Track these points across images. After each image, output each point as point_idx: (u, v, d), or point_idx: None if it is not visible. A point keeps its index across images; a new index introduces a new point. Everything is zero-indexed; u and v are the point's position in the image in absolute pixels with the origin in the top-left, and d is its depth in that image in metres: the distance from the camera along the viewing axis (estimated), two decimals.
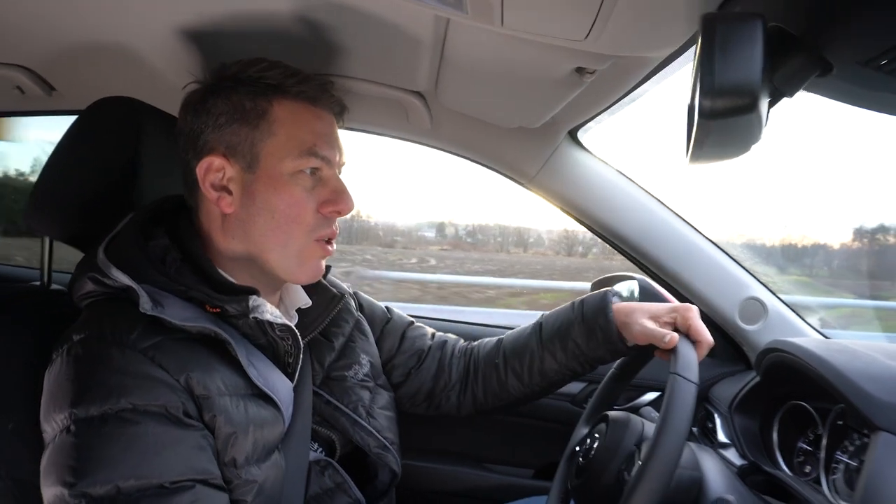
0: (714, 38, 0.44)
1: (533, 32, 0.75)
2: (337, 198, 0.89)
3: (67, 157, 0.98)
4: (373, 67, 1.14)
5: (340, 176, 0.93)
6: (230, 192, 0.86)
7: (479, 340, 1.23)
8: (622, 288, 1.58)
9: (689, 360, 0.88)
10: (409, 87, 1.21)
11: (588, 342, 1.06)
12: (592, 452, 0.99)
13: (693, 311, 0.97)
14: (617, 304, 1.06)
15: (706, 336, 0.94)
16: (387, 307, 1.23)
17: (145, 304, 0.77)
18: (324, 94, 0.90)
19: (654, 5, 0.67)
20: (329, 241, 0.91)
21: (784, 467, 1.09)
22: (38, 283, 1.04)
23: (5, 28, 1.07)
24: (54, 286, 1.03)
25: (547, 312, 1.17)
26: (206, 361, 0.79)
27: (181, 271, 0.84)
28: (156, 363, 0.75)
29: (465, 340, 1.25)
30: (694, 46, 0.65)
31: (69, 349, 0.76)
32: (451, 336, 1.26)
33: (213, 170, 0.86)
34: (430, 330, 1.25)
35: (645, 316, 1.00)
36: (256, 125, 0.85)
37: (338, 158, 0.91)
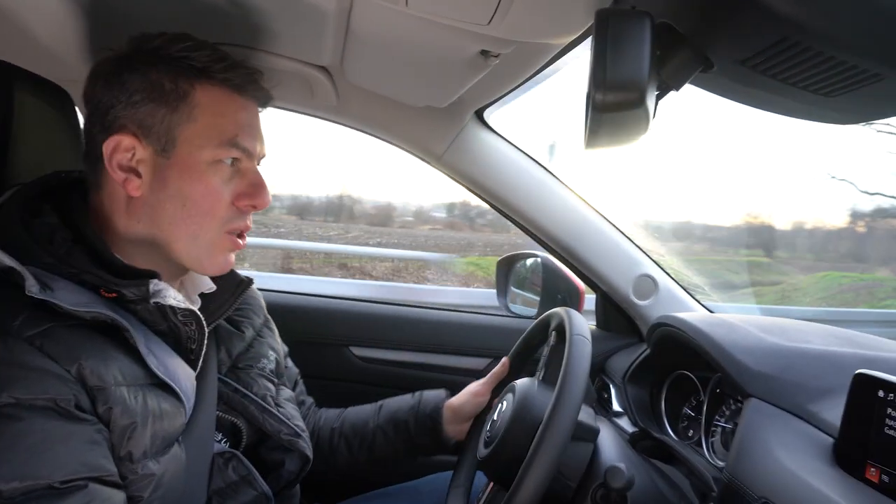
0: (606, 34, 0.46)
1: (437, 14, 0.75)
2: (254, 191, 0.86)
3: None
4: (275, 39, 1.09)
5: (259, 168, 0.89)
6: (139, 175, 0.80)
7: (323, 409, 1.28)
8: (526, 262, 1.64)
9: (580, 322, 0.95)
10: (314, 62, 1.18)
11: (416, 427, 1.16)
12: (500, 423, 1.01)
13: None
14: (447, 403, 1.18)
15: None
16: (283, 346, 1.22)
17: (32, 287, 0.70)
18: (251, 84, 0.86)
19: None
20: (241, 235, 0.88)
21: (670, 432, 1.18)
22: None
23: None
24: None
25: (389, 399, 1.25)
26: (100, 349, 0.73)
27: (72, 252, 0.77)
28: (43, 352, 0.68)
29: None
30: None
31: None
32: (309, 398, 1.29)
33: (122, 149, 0.79)
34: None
35: (470, 395, 1.18)
36: (175, 108, 0.80)
37: (259, 150, 0.88)
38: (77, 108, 1.04)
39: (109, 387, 0.72)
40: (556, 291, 1.54)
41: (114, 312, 0.75)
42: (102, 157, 0.80)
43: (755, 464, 0.82)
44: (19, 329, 0.69)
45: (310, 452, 1.03)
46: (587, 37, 0.85)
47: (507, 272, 1.73)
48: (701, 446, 1.09)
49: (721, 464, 1.02)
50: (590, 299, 1.53)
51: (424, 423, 1.16)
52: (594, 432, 0.99)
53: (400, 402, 1.21)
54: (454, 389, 1.22)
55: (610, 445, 1.03)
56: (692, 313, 1.32)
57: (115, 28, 0.89)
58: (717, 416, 1.08)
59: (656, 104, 0.57)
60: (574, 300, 1.47)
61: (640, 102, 0.47)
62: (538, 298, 1.59)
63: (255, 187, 0.86)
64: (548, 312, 1.08)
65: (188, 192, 0.81)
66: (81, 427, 0.69)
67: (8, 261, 0.72)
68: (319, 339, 1.53)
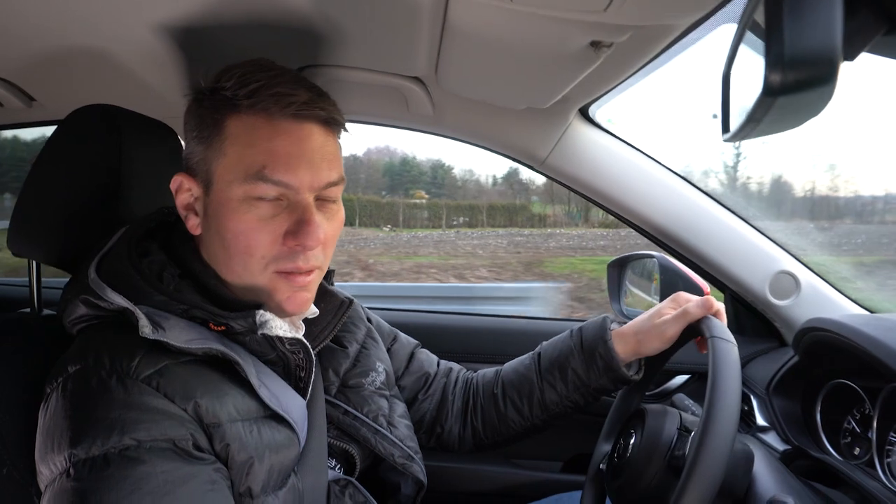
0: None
1: (547, 6, 0.68)
2: (298, 230, 0.75)
3: (47, 173, 0.92)
4: (367, 54, 1.07)
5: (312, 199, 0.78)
6: (196, 213, 0.80)
7: (480, 371, 1.18)
8: (641, 264, 1.53)
9: (719, 323, 0.88)
10: (408, 73, 1.15)
11: (588, 371, 1.02)
12: (630, 450, 0.93)
13: (681, 293, 1.00)
14: (617, 330, 1.02)
15: (712, 303, 0.94)
16: (393, 328, 1.18)
17: (145, 328, 0.70)
18: (287, 106, 0.74)
19: None
20: (305, 272, 0.79)
21: (831, 450, 1.04)
22: (28, 309, 0.98)
23: None
24: (46, 311, 0.97)
25: (545, 342, 1.12)
26: (214, 386, 0.73)
27: (181, 288, 0.77)
28: (160, 392, 0.68)
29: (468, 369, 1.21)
30: (724, 8, 0.58)
31: (64, 382, 0.69)
32: (455, 364, 1.20)
33: (183, 189, 0.79)
34: (434, 356, 1.19)
35: (653, 318, 0.99)
36: (210, 143, 0.76)
37: (305, 182, 0.76)
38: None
39: (224, 423, 0.72)
40: (675, 292, 1.42)
41: (224, 346, 0.75)
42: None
43: None
44: (136, 370, 0.69)
45: (423, 476, 0.99)
46: (714, 13, 0.76)
47: (619, 275, 1.62)
48: (873, 467, 0.94)
49: None
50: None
51: (594, 362, 1.01)
52: (749, 459, 0.88)
53: (558, 346, 1.07)
54: None
55: (763, 468, 0.92)
56: (850, 314, 1.17)
57: (209, 62, 0.88)
58: (892, 433, 0.93)
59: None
60: None
61: (830, 77, 0.38)
62: (657, 301, 1.47)
63: (300, 224, 0.75)
64: None
65: (224, 231, 0.76)
66: (201, 468, 0.69)
67: (122, 302, 0.74)
68: None
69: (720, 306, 0.94)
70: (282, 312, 0.80)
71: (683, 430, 0.91)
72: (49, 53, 1.06)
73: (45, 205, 0.90)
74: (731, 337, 0.84)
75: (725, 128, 0.55)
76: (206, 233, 0.79)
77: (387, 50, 1.06)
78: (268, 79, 0.75)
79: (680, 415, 0.94)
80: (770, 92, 0.39)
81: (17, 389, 0.79)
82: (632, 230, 1.41)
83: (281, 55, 0.87)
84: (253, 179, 0.73)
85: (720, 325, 0.87)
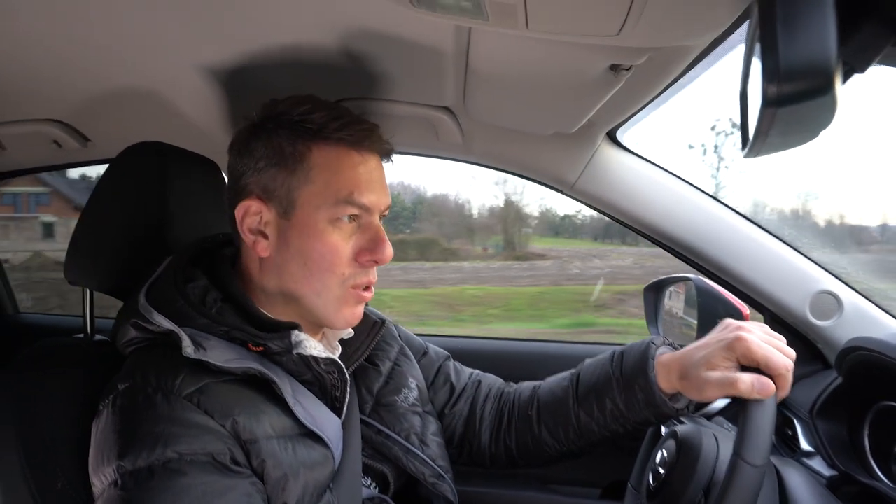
0: (774, 12, 0.38)
1: (560, 32, 0.70)
2: (374, 247, 0.85)
3: (101, 207, 0.98)
4: (397, 86, 1.11)
5: (381, 221, 0.89)
6: (266, 237, 0.84)
7: (518, 385, 1.13)
8: (677, 291, 1.50)
9: (756, 431, 0.74)
10: (436, 103, 1.18)
11: (628, 403, 0.93)
12: (664, 475, 0.92)
13: (745, 333, 0.81)
14: (662, 361, 0.91)
15: (779, 364, 0.78)
16: (424, 342, 1.18)
17: (187, 348, 0.76)
18: (367, 139, 0.85)
19: None
20: (367, 288, 0.88)
21: (881, 476, 0.99)
22: (81, 335, 1.04)
23: (39, 83, 1.09)
24: (98, 337, 1.03)
25: (588, 360, 1.04)
26: (252, 404, 0.78)
27: (222, 312, 0.83)
28: (201, 409, 0.73)
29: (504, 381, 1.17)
30: (746, 26, 0.58)
31: (114, 399, 0.75)
32: (489, 376, 1.18)
33: (251, 213, 0.84)
34: (466, 369, 1.18)
35: (701, 368, 0.83)
36: (294, 170, 0.83)
37: (379, 204, 0.87)
38: (226, 176, 1.12)
39: (261, 440, 0.75)
40: (714, 315, 1.38)
41: (261, 365, 0.79)
42: (236, 221, 0.84)
43: None
44: (180, 387, 0.74)
45: (453, 496, 1.00)
46: (731, 33, 0.76)
47: (655, 299, 1.60)
48: None
49: None
50: None
51: (633, 395, 0.93)
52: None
53: (597, 372, 0.99)
54: None
55: (807, 494, 0.89)
56: (894, 333, 1.12)
57: (251, 98, 0.94)
58: None
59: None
60: None
61: (827, 88, 0.39)
62: (695, 324, 1.44)
63: (375, 242, 0.85)
64: None
65: (308, 251, 0.83)
66: (238, 481, 0.72)
67: (168, 324, 0.79)
68: None
69: (784, 371, 0.78)
70: (338, 324, 0.88)
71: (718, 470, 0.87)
72: (100, 95, 1.13)
73: (98, 237, 0.97)
74: (760, 456, 0.72)
75: (744, 144, 0.56)
76: (277, 254, 0.84)
77: (415, 83, 1.10)
78: (345, 114, 0.85)
79: (717, 442, 0.92)
80: (769, 103, 0.40)
81: (71, 408, 0.85)
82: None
83: (318, 89, 0.92)
84: (343, 203, 0.83)
85: (753, 437, 0.74)
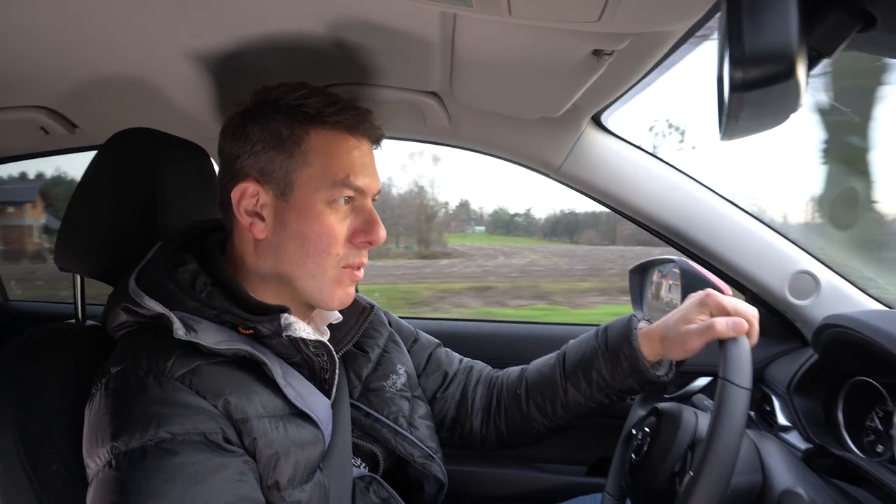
0: (740, 1, 0.40)
1: (542, 18, 0.71)
2: (369, 228, 0.88)
3: (90, 193, 0.98)
4: (384, 72, 1.12)
5: (373, 204, 0.92)
6: (263, 219, 0.86)
7: (506, 369, 1.18)
8: (662, 268, 1.53)
9: (738, 360, 0.81)
10: (423, 88, 1.19)
11: (613, 373, 1.00)
12: (644, 449, 0.95)
13: (712, 293, 0.94)
14: (644, 330, 1.00)
15: (747, 311, 0.89)
16: (415, 329, 1.21)
17: (179, 330, 0.77)
18: (361, 123, 0.88)
19: None
20: (359, 268, 0.90)
21: (854, 448, 1.03)
22: (73, 321, 1.05)
23: (26, 70, 1.09)
24: (89, 322, 1.04)
25: (572, 341, 1.11)
26: (243, 384, 0.79)
27: (212, 295, 0.84)
28: (193, 390, 0.75)
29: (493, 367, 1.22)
30: (718, 13, 0.60)
31: (107, 383, 0.76)
32: (479, 363, 1.22)
33: (247, 195, 0.85)
34: (456, 355, 1.21)
35: (679, 325, 0.93)
36: (291, 153, 0.84)
37: (372, 187, 0.89)
38: (214, 162, 1.12)
39: (252, 419, 0.77)
40: None
41: (252, 347, 0.80)
42: (231, 204, 0.85)
43: None
44: (171, 369, 0.75)
45: (443, 476, 1.03)
46: (710, 18, 0.78)
47: (640, 281, 1.63)
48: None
49: None
50: None
51: (619, 364, 0.99)
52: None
53: (583, 347, 1.06)
54: None
55: (781, 465, 0.92)
56: (867, 311, 1.16)
57: (241, 85, 0.95)
58: None
59: (807, 76, 0.50)
60: None
61: (790, 73, 0.40)
62: (679, 306, 1.47)
63: (370, 224, 0.88)
64: None
65: (306, 232, 0.84)
66: (230, 459, 0.74)
67: (158, 308, 0.80)
68: None
69: (751, 318, 0.89)
70: (333, 304, 0.90)
71: (693, 447, 0.91)
72: (88, 82, 1.13)
73: (88, 223, 0.97)
74: (744, 379, 0.79)
75: (720, 127, 0.58)
76: (273, 235, 0.86)
77: (402, 68, 1.11)
78: (339, 99, 0.87)
79: (696, 418, 0.95)
80: (735, 88, 0.42)
81: (65, 392, 0.85)
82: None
83: (306, 75, 0.93)
84: (339, 185, 0.85)
85: (736, 364, 0.81)
